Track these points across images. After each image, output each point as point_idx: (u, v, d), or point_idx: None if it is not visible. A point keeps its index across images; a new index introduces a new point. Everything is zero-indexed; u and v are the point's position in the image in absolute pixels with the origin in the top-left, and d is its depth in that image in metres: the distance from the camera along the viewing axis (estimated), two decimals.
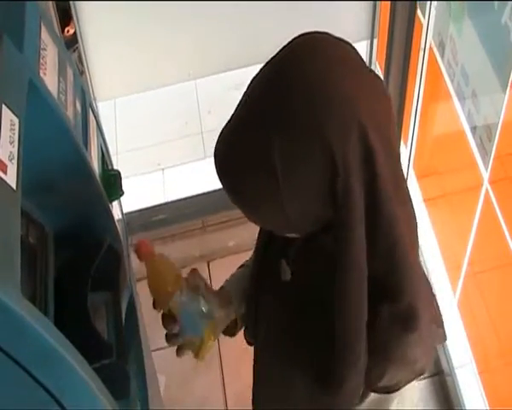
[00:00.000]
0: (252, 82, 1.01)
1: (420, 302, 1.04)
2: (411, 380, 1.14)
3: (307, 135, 0.91)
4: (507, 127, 1.95)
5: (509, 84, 1.87)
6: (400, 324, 1.03)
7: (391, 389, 1.13)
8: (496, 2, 1.85)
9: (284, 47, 0.99)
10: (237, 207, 1.06)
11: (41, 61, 1.27)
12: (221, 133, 1.03)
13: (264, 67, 1.01)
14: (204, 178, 3.34)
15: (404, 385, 1.13)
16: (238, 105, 1.02)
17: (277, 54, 0.99)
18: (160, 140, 3.60)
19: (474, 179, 2.13)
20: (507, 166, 2.06)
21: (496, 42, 1.93)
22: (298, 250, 1.17)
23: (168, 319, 1.29)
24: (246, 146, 0.97)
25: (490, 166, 2.07)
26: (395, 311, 1.02)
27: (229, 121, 1.03)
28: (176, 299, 1.25)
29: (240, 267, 1.54)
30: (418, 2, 2.30)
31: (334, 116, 0.90)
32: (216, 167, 1.04)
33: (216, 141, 1.04)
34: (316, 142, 0.91)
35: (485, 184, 2.10)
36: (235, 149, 0.99)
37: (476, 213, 2.21)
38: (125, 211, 2.42)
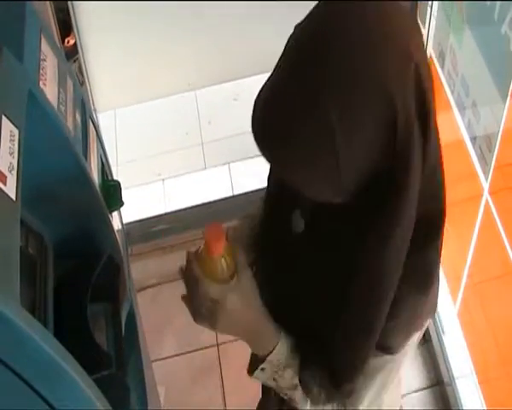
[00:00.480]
0: (291, 40, 0.96)
1: (437, 263, 1.10)
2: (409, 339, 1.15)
3: (365, 81, 0.88)
4: (507, 137, 1.95)
5: (509, 94, 1.87)
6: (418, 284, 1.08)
7: (393, 351, 1.14)
8: (496, 11, 1.85)
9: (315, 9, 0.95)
10: (280, 172, 1.00)
11: (41, 71, 1.27)
12: (262, 96, 0.96)
13: (301, 26, 0.96)
14: (204, 189, 3.36)
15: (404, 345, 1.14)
16: (278, 65, 0.96)
17: (312, 13, 0.95)
18: (161, 150, 3.61)
19: (474, 190, 2.13)
20: (507, 177, 2.06)
21: (496, 52, 1.93)
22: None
23: None
24: (299, 103, 0.90)
25: (490, 177, 2.07)
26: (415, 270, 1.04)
27: (269, 82, 0.96)
28: None
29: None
30: (418, 13, 2.31)
31: (391, 57, 0.88)
32: (258, 131, 0.97)
33: (255, 105, 0.97)
34: (375, 86, 0.88)
35: (485, 195, 2.10)
36: (284, 109, 0.92)
37: (476, 224, 2.21)
38: (125, 221, 2.42)
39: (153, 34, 2.72)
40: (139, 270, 2.86)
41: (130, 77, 2.87)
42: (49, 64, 1.34)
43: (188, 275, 1.13)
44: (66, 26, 2.49)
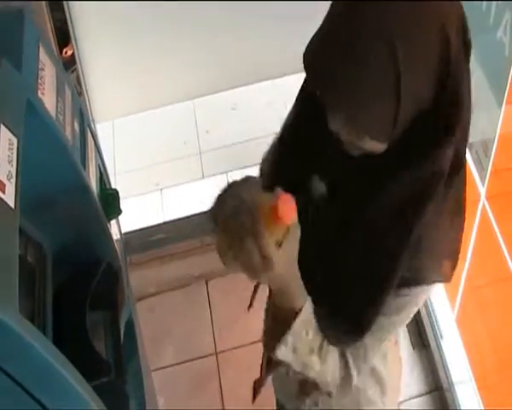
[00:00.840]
0: None
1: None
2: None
3: (429, 18, 0.96)
4: (503, 142, 1.96)
5: (505, 100, 1.88)
6: None
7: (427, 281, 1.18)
8: (491, 16, 1.87)
9: None
10: (338, 113, 1.02)
11: (39, 81, 1.28)
12: (318, 39, 1.00)
13: None
14: (202, 198, 3.36)
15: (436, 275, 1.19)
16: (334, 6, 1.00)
17: None
18: (159, 160, 3.61)
19: (470, 195, 2.13)
20: (504, 182, 2.07)
21: (491, 57, 1.94)
22: (340, 162, 1.17)
23: None
24: (364, 40, 0.94)
25: (486, 182, 2.07)
26: None
27: (327, 21, 1.00)
28: None
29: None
30: None
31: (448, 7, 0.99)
32: (316, 66, 1.00)
33: (309, 47, 1.01)
34: (436, 24, 0.96)
35: (482, 200, 2.11)
36: (346, 48, 0.95)
37: (473, 229, 2.21)
38: (123, 231, 2.43)
39: (150, 45, 2.73)
40: (138, 279, 2.86)
41: (128, 87, 2.87)
42: (48, 74, 1.35)
43: (243, 222, 1.04)
44: (64, 36, 2.50)
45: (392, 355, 1.59)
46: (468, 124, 1.10)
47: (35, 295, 1.18)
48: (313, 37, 1.01)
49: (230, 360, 2.77)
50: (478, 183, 2.12)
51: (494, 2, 1.85)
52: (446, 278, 1.22)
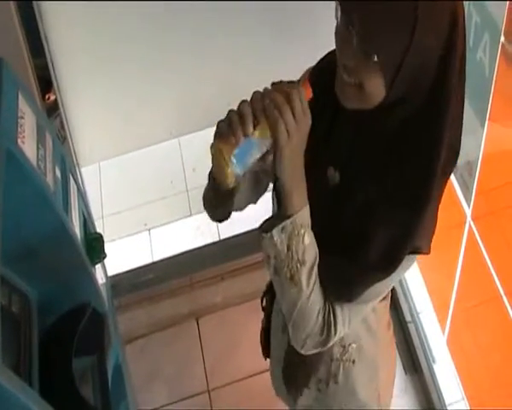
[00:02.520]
0: None
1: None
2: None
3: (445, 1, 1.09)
4: (487, 162, 1.98)
5: (487, 119, 1.90)
6: None
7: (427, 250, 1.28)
8: (471, 38, 1.90)
9: None
10: (361, 30, 1.09)
11: (19, 129, 1.29)
12: None
13: None
14: (191, 235, 3.37)
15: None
16: None
17: None
18: (146, 200, 3.61)
19: (457, 216, 2.15)
20: (489, 201, 2.08)
21: (472, 79, 1.96)
22: (349, 148, 1.27)
23: None
24: None
25: (472, 202, 2.09)
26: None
27: None
28: None
29: None
30: None
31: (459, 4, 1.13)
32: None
33: None
34: (448, 8, 1.10)
35: (468, 220, 2.12)
36: None
37: (461, 250, 2.23)
38: (112, 273, 2.42)
39: (133, 85, 2.74)
40: (128, 321, 2.85)
41: (112, 129, 2.88)
42: (27, 121, 1.36)
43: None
44: (46, 82, 2.51)
45: (385, 340, 1.63)
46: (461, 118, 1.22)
47: (20, 345, 1.18)
48: None
49: (223, 396, 2.75)
50: (463, 204, 2.14)
51: (473, 24, 1.88)
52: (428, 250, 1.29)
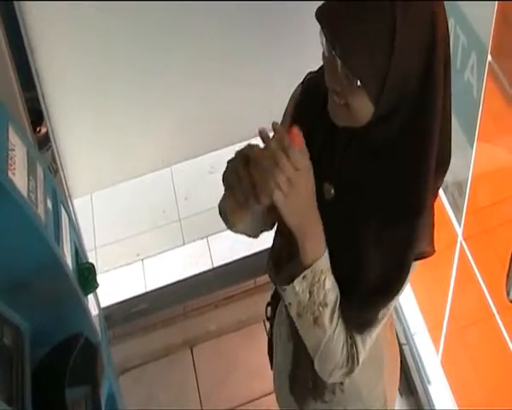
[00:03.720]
0: None
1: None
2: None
3: (424, 10, 1.11)
4: (477, 181, 1.99)
5: (476, 139, 1.92)
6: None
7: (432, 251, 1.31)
8: (458, 59, 1.92)
9: None
10: (340, 47, 1.11)
11: (9, 161, 1.29)
12: None
13: None
14: (184, 264, 3.36)
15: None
16: None
17: None
18: (139, 231, 3.61)
19: (448, 236, 2.16)
20: (480, 220, 2.09)
21: (460, 99, 1.98)
22: (341, 163, 1.29)
23: None
24: (370, 9, 1.08)
25: (463, 222, 2.10)
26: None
27: None
28: None
29: None
30: None
31: (439, 10, 1.14)
32: (329, 14, 1.12)
33: (325, 5, 1.13)
34: (427, 6, 1.11)
35: (460, 240, 2.13)
36: (358, 7, 1.09)
37: (453, 270, 2.23)
38: (106, 304, 2.42)
39: (124, 116, 2.75)
40: (122, 351, 2.83)
41: (104, 160, 2.89)
42: (18, 153, 1.36)
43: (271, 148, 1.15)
44: (37, 115, 2.52)
45: (388, 339, 1.65)
46: (447, 132, 1.24)
47: (13, 377, 1.17)
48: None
49: None
50: (455, 223, 2.14)
51: (460, 45, 1.90)
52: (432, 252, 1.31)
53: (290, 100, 1.46)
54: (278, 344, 1.73)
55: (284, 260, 1.36)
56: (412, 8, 1.09)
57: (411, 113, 1.17)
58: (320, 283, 1.24)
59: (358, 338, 1.32)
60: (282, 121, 1.46)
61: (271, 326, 1.76)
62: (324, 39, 1.16)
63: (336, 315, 1.28)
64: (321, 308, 1.25)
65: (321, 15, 1.13)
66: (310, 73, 1.42)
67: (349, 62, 1.11)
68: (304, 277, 1.22)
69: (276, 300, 1.67)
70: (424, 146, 1.18)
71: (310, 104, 1.34)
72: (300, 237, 1.21)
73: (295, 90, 1.46)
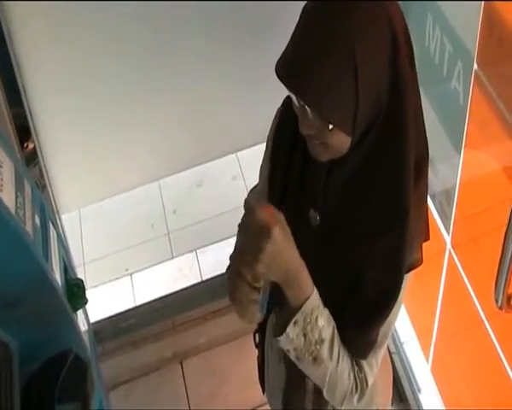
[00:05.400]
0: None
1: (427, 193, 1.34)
2: None
3: (380, 24, 1.11)
4: (465, 189, 2.00)
5: (463, 147, 1.93)
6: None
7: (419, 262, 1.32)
8: (445, 68, 1.93)
9: None
10: (306, 100, 1.13)
11: None
12: (288, 45, 1.14)
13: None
14: (173, 278, 3.36)
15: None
16: (304, 17, 1.14)
17: None
18: (127, 245, 3.61)
19: (436, 244, 2.17)
20: (468, 228, 2.10)
21: (447, 107, 1.99)
22: (323, 188, 1.30)
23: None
24: (329, 40, 1.09)
25: (451, 230, 2.11)
26: None
27: (299, 29, 1.14)
28: None
29: None
30: None
31: (395, 8, 1.14)
32: (289, 70, 1.13)
33: (284, 53, 1.14)
34: (385, 26, 1.11)
35: (448, 248, 2.14)
36: (316, 45, 1.10)
37: (442, 278, 2.24)
38: (95, 319, 2.41)
39: (110, 131, 2.76)
40: (112, 367, 2.82)
41: (91, 175, 2.88)
42: (6, 170, 1.36)
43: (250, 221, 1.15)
44: (24, 130, 2.52)
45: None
46: (422, 135, 1.25)
47: (1, 394, 1.17)
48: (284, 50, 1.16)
49: None
50: (443, 231, 2.15)
51: (446, 54, 1.91)
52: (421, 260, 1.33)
53: (272, 123, 1.47)
54: (270, 366, 1.72)
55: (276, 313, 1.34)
56: (370, 29, 1.10)
57: (385, 123, 1.18)
58: (312, 322, 1.22)
59: (364, 362, 1.32)
60: (266, 145, 1.47)
61: (261, 352, 1.74)
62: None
63: (336, 347, 1.27)
64: (318, 346, 1.24)
65: (281, 72, 1.13)
66: (287, 97, 1.41)
67: (318, 110, 1.13)
68: (295, 322, 1.21)
69: (263, 325, 1.65)
70: (399, 147, 1.19)
71: (289, 127, 1.34)
72: (287, 287, 1.20)
73: (276, 114, 1.46)
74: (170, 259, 3.51)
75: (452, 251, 2.14)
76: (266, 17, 2.57)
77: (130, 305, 3.21)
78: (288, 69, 1.13)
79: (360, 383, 1.32)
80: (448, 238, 2.15)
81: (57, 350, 1.36)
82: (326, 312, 1.25)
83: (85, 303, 1.54)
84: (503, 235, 1.49)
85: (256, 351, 1.77)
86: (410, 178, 1.21)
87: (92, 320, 2.00)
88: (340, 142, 1.18)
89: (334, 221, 1.30)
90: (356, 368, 1.31)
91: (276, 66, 1.14)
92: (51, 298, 1.35)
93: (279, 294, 1.23)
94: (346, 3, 1.10)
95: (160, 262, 3.49)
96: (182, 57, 2.61)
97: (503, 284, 1.54)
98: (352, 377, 1.31)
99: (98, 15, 2.37)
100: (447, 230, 2.14)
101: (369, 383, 1.34)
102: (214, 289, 3.08)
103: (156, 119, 2.76)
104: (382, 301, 1.26)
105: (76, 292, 1.49)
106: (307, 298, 1.21)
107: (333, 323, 1.27)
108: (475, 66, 1.77)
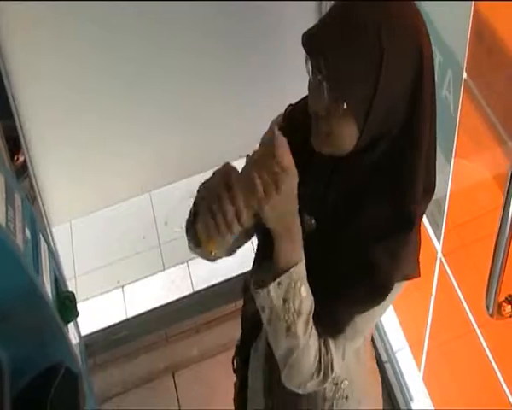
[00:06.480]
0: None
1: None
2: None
3: (409, 32, 1.14)
4: (455, 197, 2.01)
5: (453, 156, 1.94)
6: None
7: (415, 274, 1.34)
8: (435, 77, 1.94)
9: None
10: (329, 78, 1.13)
11: None
12: (321, 21, 1.17)
13: None
14: (165, 289, 3.35)
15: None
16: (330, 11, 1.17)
17: None
18: (118, 257, 3.59)
19: (427, 253, 2.17)
20: (459, 236, 2.11)
21: (437, 116, 2.00)
22: (324, 193, 1.30)
23: None
24: (357, 31, 1.10)
25: (442, 238, 2.12)
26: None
27: (326, 16, 1.16)
28: None
29: None
30: None
31: (421, 19, 1.17)
32: (317, 38, 1.14)
33: (311, 31, 1.15)
34: (413, 37, 1.14)
35: (439, 256, 2.15)
36: (346, 29, 1.11)
37: (433, 286, 2.25)
38: (87, 332, 2.39)
39: (101, 143, 2.75)
40: (104, 379, 2.81)
41: (82, 187, 2.88)
42: None
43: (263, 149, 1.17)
44: (15, 143, 2.51)
45: (372, 368, 1.64)
46: (432, 163, 1.27)
47: None
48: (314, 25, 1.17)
49: None
50: (434, 240, 2.16)
51: (436, 63, 1.92)
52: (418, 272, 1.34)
53: (270, 127, 1.43)
54: (254, 400, 1.67)
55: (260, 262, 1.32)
56: (399, 41, 1.12)
57: (397, 142, 1.19)
58: (296, 290, 1.20)
59: (332, 345, 1.28)
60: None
61: (240, 379, 1.71)
62: (310, 64, 1.17)
63: (310, 324, 1.24)
64: (295, 316, 1.21)
65: (307, 42, 1.14)
66: (290, 105, 1.43)
67: (337, 85, 1.13)
68: (279, 283, 1.19)
69: (245, 349, 1.63)
70: (412, 161, 1.20)
71: (291, 136, 1.34)
72: (279, 239, 1.18)
73: (276, 120, 1.46)
74: (161, 270, 3.50)
75: (443, 259, 2.15)
76: (262, 33, 2.59)
77: (122, 317, 3.19)
78: (316, 37, 1.14)
79: (325, 367, 1.28)
80: (439, 247, 2.15)
81: (48, 363, 1.35)
82: (308, 286, 1.23)
83: (76, 316, 1.54)
84: (494, 243, 1.49)
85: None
86: (419, 195, 1.23)
87: (83, 333, 2.00)
88: (347, 135, 1.18)
89: (331, 226, 1.30)
90: (323, 350, 1.27)
91: (304, 36, 1.15)
92: (42, 311, 1.34)
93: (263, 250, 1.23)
94: (380, 8, 1.13)
95: (152, 274, 3.47)
96: (172, 70, 2.62)
97: (493, 292, 1.55)
98: (317, 359, 1.27)
99: (88, 27, 2.37)
100: (438, 238, 2.15)
101: (335, 369, 1.30)
102: (206, 300, 3.08)
103: (147, 130, 2.77)
104: (367, 297, 1.25)
105: (67, 305, 1.49)
106: (296, 263, 1.20)
107: (312, 300, 1.24)
108: (465, 75, 1.78)
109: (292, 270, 1.19)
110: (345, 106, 1.13)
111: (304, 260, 1.22)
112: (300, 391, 1.34)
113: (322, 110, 1.17)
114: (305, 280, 1.22)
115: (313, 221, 1.33)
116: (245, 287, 1.54)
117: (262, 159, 1.14)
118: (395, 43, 1.11)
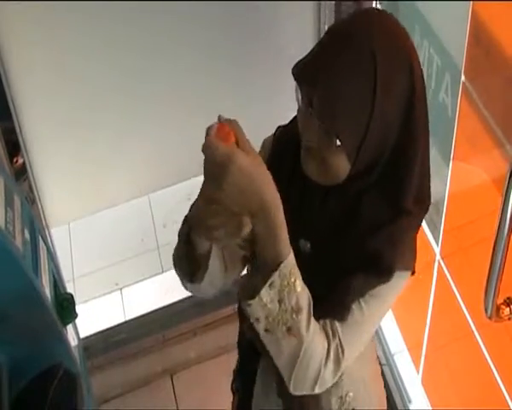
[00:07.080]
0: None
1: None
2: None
3: (402, 55, 1.14)
4: (453, 200, 2.01)
5: (451, 158, 1.94)
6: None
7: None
8: (433, 80, 1.94)
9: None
10: (321, 114, 1.12)
11: None
12: (312, 53, 1.16)
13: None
14: (163, 292, 3.34)
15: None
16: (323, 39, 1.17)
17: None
18: (117, 260, 3.59)
19: (426, 255, 2.17)
20: (457, 239, 2.11)
21: (436, 119, 2.01)
22: (318, 218, 1.29)
23: None
24: (350, 61, 1.10)
25: (440, 241, 2.12)
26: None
27: (317, 47, 1.16)
28: None
29: None
30: None
31: (412, 44, 1.18)
32: (309, 73, 1.13)
33: (302, 61, 1.15)
34: (406, 60, 1.14)
35: (438, 259, 2.15)
36: (338, 64, 1.11)
37: (431, 289, 2.25)
38: (85, 334, 2.39)
39: (101, 145, 2.75)
40: (102, 381, 2.80)
41: (81, 189, 2.88)
42: None
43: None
44: (14, 145, 2.51)
45: (377, 372, 1.69)
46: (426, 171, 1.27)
47: None
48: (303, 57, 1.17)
49: None
50: (432, 243, 2.16)
51: (434, 66, 1.93)
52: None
53: (261, 150, 1.41)
54: None
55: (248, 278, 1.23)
56: (392, 67, 1.12)
57: (391, 164, 1.19)
58: (290, 286, 1.08)
59: (338, 328, 1.19)
60: None
61: (241, 402, 1.66)
62: (301, 96, 1.15)
63: (312, 318, 1.14)
64: (294, 315, 1.10)
65: (299, 73, 1.13)
66: (279, 127, 1.41)
67: (329, 120, 1.11)
68: (271, 284, 1.06)
69: (242, 374, 1.60)
70: (400, 190, 1.22)
71: (282, 158, 1.32)
72: (259, 230, 1.06)
73: (266, 141, 1.43)
74: (160, 273, 3.50)
75: (442, 262, 2.15)
76: (262, 33, 2.59)
77: (121, 319, 3.19)
78: (307, 72, 1.13)
79: (335, 351, 1.18)
80: (437, 249, 2.15)
81: (47, 365, 1.35)
82: (301, 279, 1.12)
83: (75, 318, 1.54)
84: (492, 245, 1.50)
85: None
86: (408, 222, 1.25)
87: (82, 335, 1.99)
88: (339, 165, 1.16)
89: (326, 249, 1.28)
90: (330, 333, 1.18)
91: (295, 67, 1.14)
92: (41, 313, 1.35)
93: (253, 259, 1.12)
94: (373, 33, 1.13)
95: (150, 276, 3.48)
96: (171, 73, 2.62)
97: (492, 294, 1.55)
98: (325, 345, 1.17)
99: (88, 28, 2.37)
100: (436, 241, 2.15)
101: (346, 354, 1.19)
102: (204, 303, 3.08)
103: (146, 133, 2.76)
104: (371, 277, 1.22)
105: (66, 307, 1.49)
106: (285, 257, 1.08)
107: (308, 293, 1.14)
108: (463, 78, 1.79)
109: (282, 266, 1.07)
110: (337, 142, 1.12)
111: (292, 253, 1.10)
112: (317, 389, 1.21)
113: (313, 141, 1.16)
114: (299, 274, 1.11)
115: (308, 245, 1.31)
116: (240, 318, 1.45)
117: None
118: (390, 69, 1.11)
